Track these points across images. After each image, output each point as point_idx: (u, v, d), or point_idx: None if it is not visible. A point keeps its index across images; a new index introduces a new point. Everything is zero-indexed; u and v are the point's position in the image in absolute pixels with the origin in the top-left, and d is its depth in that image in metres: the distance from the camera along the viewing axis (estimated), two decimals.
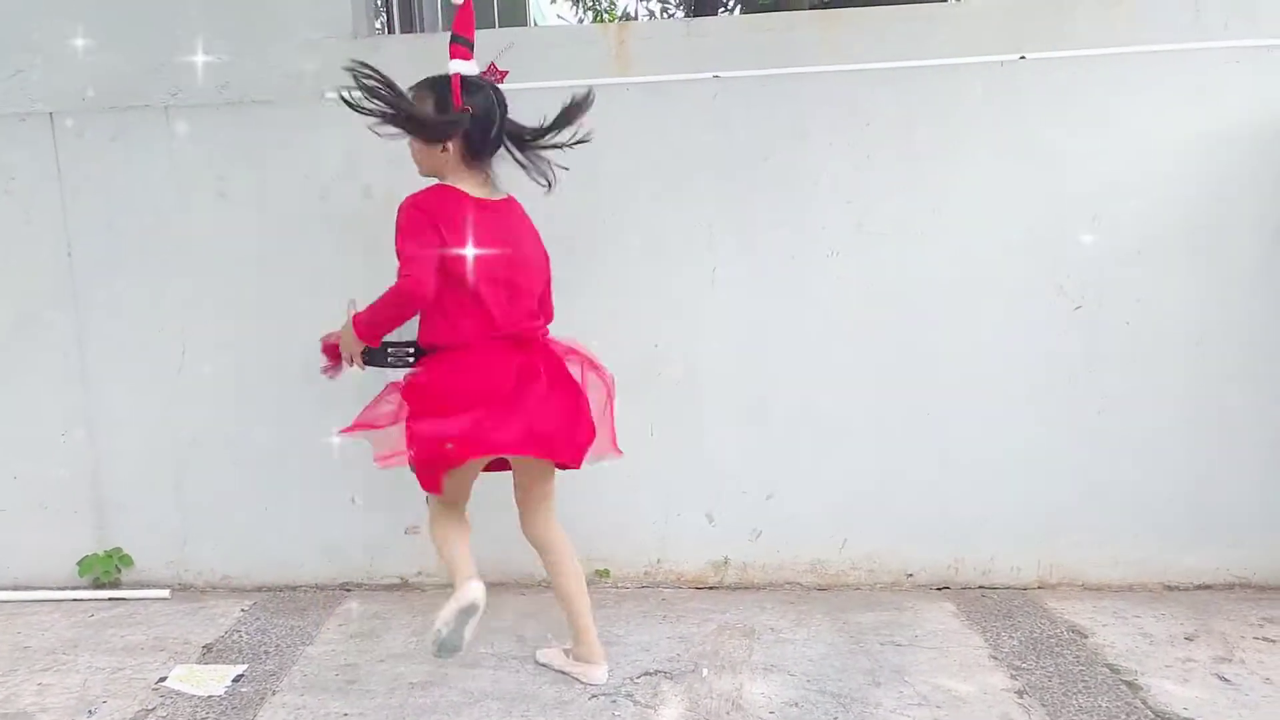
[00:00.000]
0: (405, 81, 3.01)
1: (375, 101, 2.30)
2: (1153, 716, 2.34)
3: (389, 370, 2.48)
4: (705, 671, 2.62)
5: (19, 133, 3.21)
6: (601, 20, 10.73)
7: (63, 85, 3.18)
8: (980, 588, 3.21)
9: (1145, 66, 2.99)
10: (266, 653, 2.82)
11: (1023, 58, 3.01)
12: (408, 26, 5.52)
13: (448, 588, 3.27)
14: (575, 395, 2.48)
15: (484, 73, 2.45)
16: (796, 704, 2.44)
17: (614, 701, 2.48)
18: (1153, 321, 3.07)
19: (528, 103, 2.50)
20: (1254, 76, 2.98)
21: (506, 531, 3.27)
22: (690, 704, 2.46)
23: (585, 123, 2.47)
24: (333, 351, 2.52)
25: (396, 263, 2.26)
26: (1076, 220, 3.06)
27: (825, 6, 8.14)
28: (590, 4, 11.01)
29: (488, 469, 2.57)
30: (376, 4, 3.46)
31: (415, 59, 3.09)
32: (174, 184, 3.20)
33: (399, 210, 2.30)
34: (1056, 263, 3.07)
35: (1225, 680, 2.51)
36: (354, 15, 3.14)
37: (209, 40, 3.15)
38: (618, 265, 3.15)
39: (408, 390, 2.40)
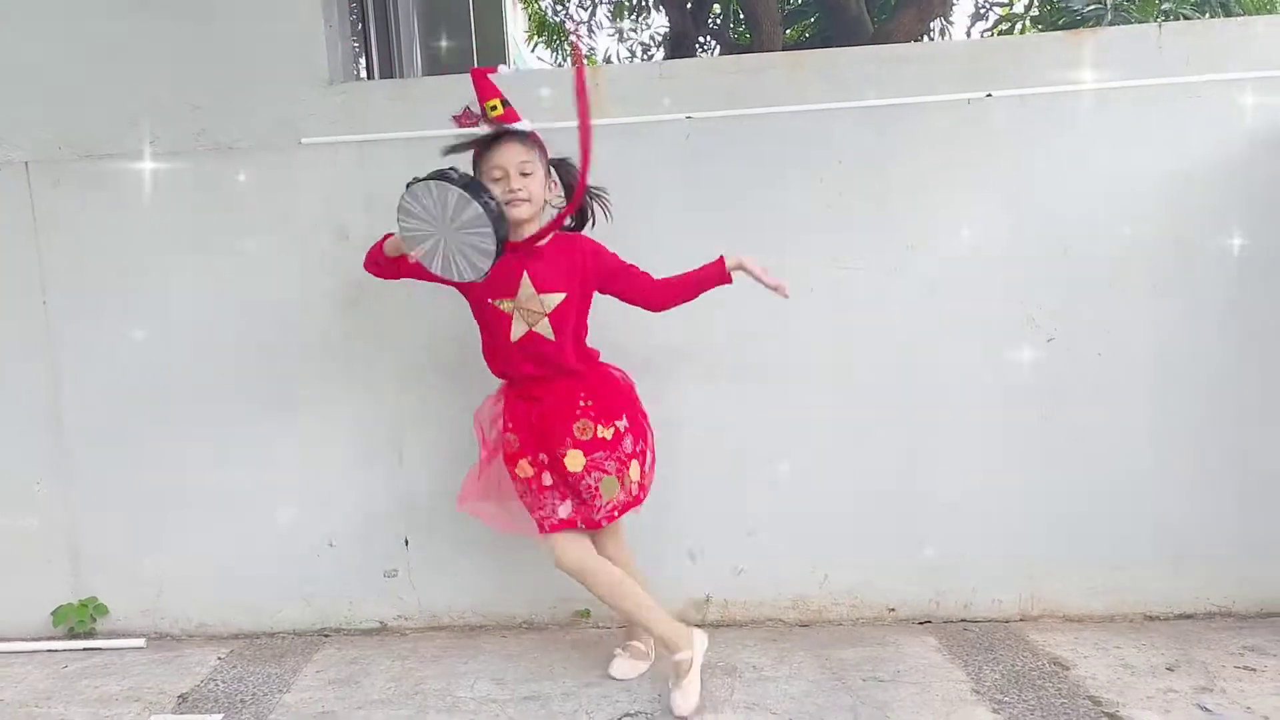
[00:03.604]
0: (397, 123, 3.12)
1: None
2: None
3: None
4: None
5: None
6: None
7: (38, 134, 3.19)
8: (962, 621, 3.20)
9: (1108, 103, 3.04)
10: (243, 701, 2.78)
11: (989, 95, 3.06)
12: (387, 72, 5.59)
13: (429, 631, 3.26)
14: None
15: (460, 117, 2.47)
16: None
17: None
18: (1124, 353, 3.10)
19: None
20: (1215, 112, 3.03)
21: (486, 575, 3.27)
22: None
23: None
24: None
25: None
26: (1046, 253, 3.09)
27: (800, 47, 8.30)
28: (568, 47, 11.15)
29: None
30: (354, 49, 3.49)
31: (395, 103, 3.13)
32: (150, 231, 3.19)
33: (600, 249, 2.73)
34: (1028, 296, 3.10)
35: (1206, 710, 2.51)
36: (329, 62, 3.16)
37: (185, 87, 3.17)
38: (595, 304, 3.15)
39: (634, 415, 2.77)
